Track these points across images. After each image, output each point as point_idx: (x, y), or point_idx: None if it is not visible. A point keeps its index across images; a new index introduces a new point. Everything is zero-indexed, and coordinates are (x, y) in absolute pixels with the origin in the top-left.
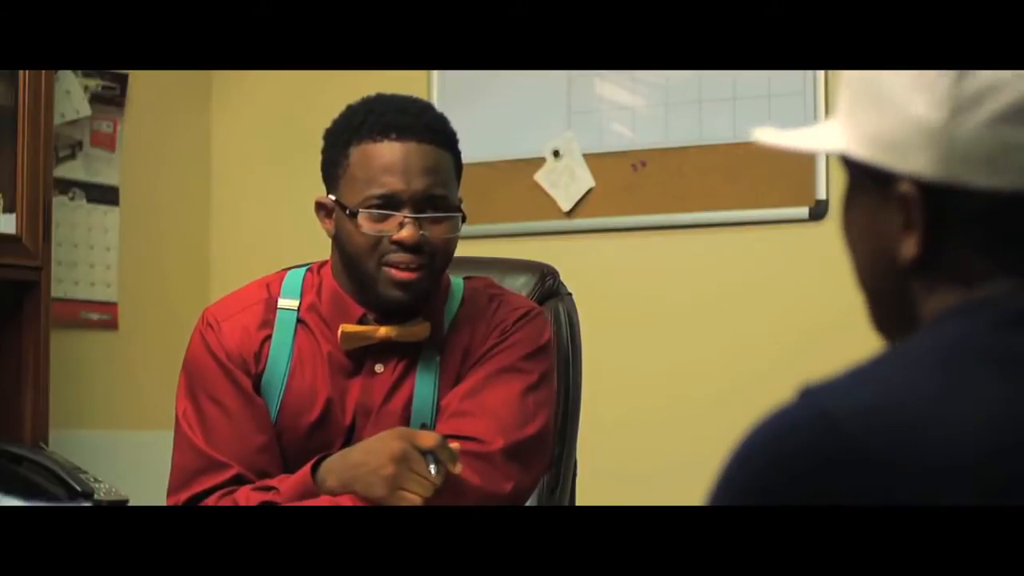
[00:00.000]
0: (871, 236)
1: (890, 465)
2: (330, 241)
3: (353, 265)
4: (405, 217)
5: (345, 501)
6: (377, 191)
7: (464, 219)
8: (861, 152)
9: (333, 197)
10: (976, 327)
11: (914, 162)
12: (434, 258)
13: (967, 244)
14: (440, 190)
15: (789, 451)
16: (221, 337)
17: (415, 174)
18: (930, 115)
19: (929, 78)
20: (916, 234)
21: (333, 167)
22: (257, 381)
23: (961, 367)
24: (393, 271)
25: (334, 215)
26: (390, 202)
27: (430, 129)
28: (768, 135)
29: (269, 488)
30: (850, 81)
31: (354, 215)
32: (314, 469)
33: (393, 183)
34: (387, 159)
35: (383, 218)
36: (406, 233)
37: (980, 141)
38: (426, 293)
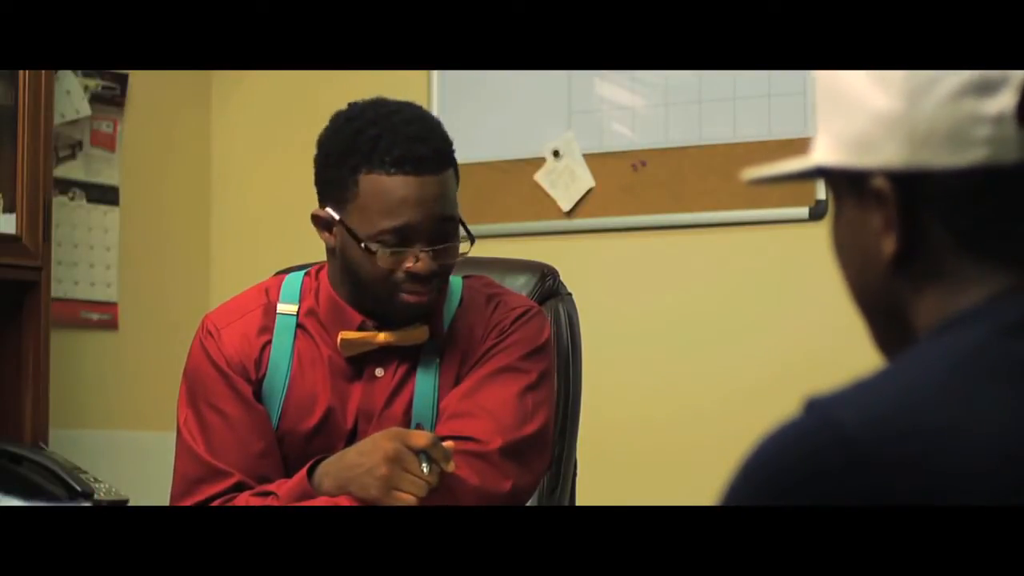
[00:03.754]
0: (856, 246)
1: (900, 475)
2: (326, 251)
3: (363, 287)
4: (421, 251)
5: (342, 502)
6: (392, 225)
7: (472, 238)
8: (834, 158)
9: (338, 216)
10: (981, 334)
11: (881, 154)
12: (444, 279)
13: (945, 232)
14: (450, 212)
15: (797, 462)
16: (221, 344)
17: (429, 208)
18: (890, 105)
19: (886, 72)
20: (893, 229)
21: (338, 188)
22: (258, 387)
23: (968, 376)
24: (407, 296)
25: (335, 231)
26: (405, 237)
27: (440, 157)
28: (756, 172)
29: (267, 493)
30: (818, 93)
31: (369, 249)
32: (311, 472)
33: (408, 219)
34: (401, 193)
35: (399, 253)
36: (422, 266)
37: (939, 119)
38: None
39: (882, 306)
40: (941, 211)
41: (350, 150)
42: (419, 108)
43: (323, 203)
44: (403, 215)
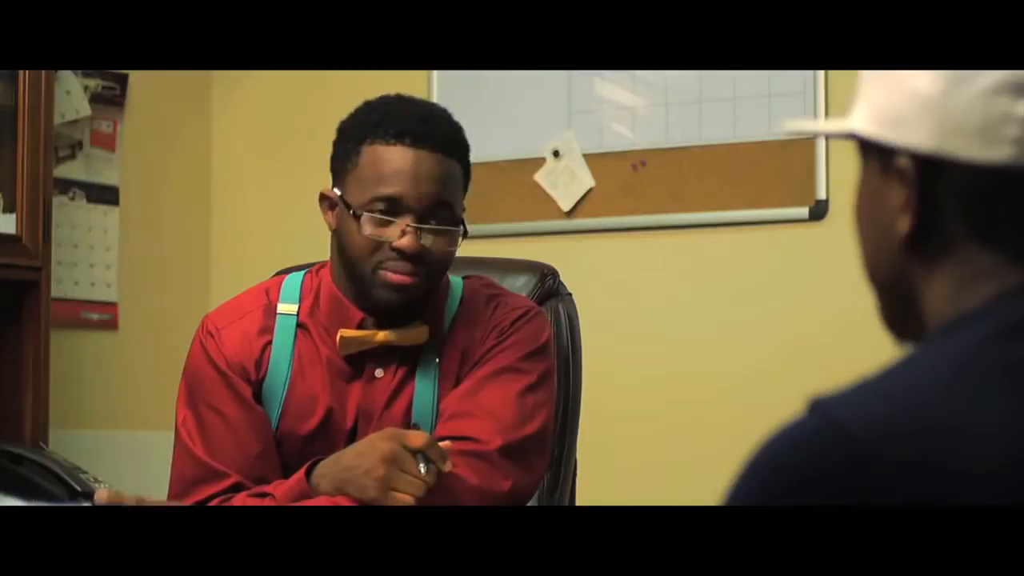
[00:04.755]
0: (874, 218)
1: (902, 475)
2: (330, 241)
3: (350, 264)
4: (407, 225)
5: (340, 503)
6: (383, 193)
7: (465, 233)
8: (868, 128)
9: (339, 192)
10: (983, 335)
11: (912, 134)
12: (431, 268)
13: (960, 221)
14: (447, 198)
15: (800, 462)
16: (221, 345)
17: (423, 182)
18: (929, 88)
19: None
20: (910, 209)
21: (342, 161)
22: (258, 388)
23: (971, 377)
24: (389, 274)
25: (337, 210)
26: (394, 207)
27: (445, 139)
28: (793, 124)
29: (264, 495)
30: None
31: (357, 216)
32: (308, 473)
33: (400, 189)
34: (397, 163)
35: (385, 223)
36: (406, 241)
37: (973, 112)
38: (421, 299)
39: (893, 282)
40: (959, 200)
41: (358, 124)
42: (442, 108)
43: (332, 184)
44: (395, 184)
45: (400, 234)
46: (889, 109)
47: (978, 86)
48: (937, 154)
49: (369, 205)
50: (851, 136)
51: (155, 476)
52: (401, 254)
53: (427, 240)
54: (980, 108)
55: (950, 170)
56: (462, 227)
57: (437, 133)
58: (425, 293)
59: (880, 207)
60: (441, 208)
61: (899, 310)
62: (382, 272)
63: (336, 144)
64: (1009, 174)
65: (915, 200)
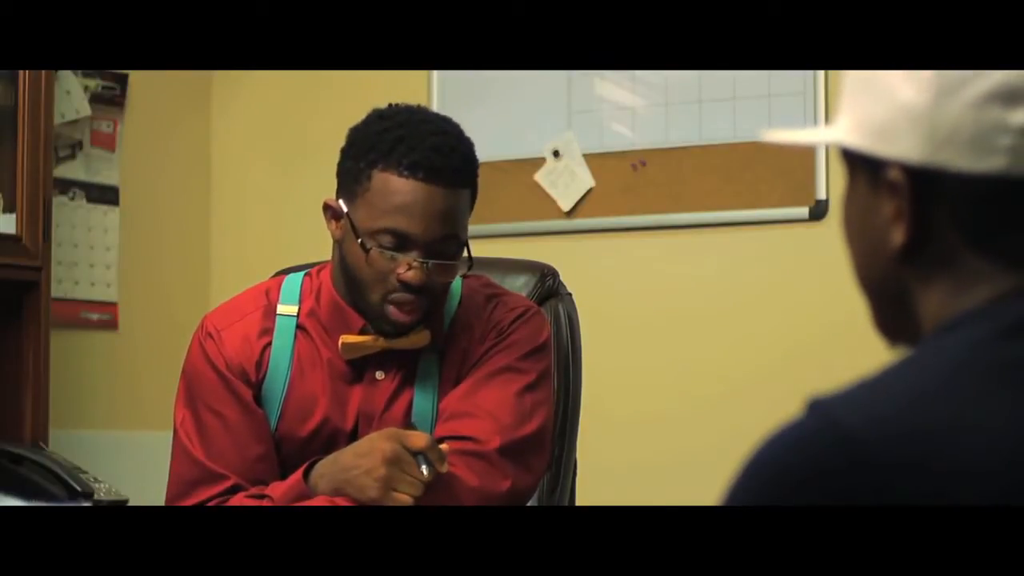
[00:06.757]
0: (865, 229)
1: (900, 475)
2: (329, 243)
3: (354, 285)
4: (414, 260)
5: (339, 503)
6: (392, 227)
7: (471, 266)
8: (854, 140)
9: (346, 208)
10: (981, 336)
11: (901, 147)
12: (435, 294)
13: (956, 230)
14: (453, 231)
15: (798, 463)
16: (221, 347)
17: (433, 220)
18: (916, 99)
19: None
20: (904, 221)
21: (352, 179)
22: (258, 389)
23: (969, 377)
24: (394, 309)
25: (342, 223)
26: (403, 242)
27: (457, 172)
28: (775, 134)
29: (263, 496)
30: (850, 74)
31: (364, 243)
32: (306, 474)
33: (409, 225)
34: (408, 199)
35: (393, 257)
36: (412, 276)
37: (963, 123)
38: (421, 322)
39: (888, 291)
40: (953, 211)
41: (372, 145)
42: (455, 126)
43: (338, 194)
44: (405, 220)
45: (407, 267)
46: (875, 119)
47: (967, 96)
48: (928, 166)
49: (377, 236)
50: (840, 148)
51: (155, 476)
52: (407, 287)
53: (432, 272)
54: (971, 119)
55: (942, 181)
56: (467, 253)
57: (450, 167)
58: (426, 318)
59: (871, 217)
60: (448, 240)
61: (893, 316)
62: (387, 306)
63: (345, 154)
64: (1004, 182)
65: (909, 212)
